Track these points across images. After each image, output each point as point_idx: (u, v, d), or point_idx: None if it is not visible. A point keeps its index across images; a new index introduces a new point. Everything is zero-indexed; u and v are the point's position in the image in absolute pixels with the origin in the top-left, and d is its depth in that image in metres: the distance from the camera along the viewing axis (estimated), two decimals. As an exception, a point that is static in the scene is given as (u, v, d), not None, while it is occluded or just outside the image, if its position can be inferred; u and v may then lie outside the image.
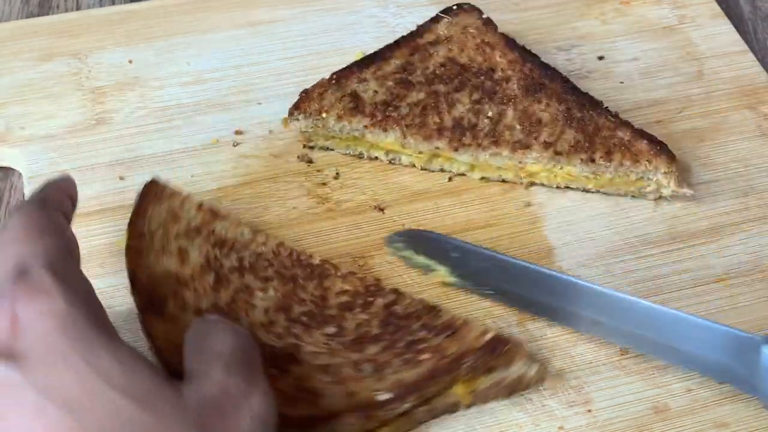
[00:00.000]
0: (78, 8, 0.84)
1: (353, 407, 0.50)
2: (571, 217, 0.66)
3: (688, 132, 0.71)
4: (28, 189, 0.66)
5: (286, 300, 0.57)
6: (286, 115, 0.69)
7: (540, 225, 0.65)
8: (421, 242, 0.62)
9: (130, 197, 0.66)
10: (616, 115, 0.68)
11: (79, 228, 0.64)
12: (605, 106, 0.69)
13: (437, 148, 0.67)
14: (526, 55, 0.72)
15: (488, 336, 0.53)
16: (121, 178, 0.67)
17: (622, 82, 0.75)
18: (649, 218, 0.66)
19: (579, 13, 0.81)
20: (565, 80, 0.70)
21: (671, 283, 0.62)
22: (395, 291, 0.58)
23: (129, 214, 0.65)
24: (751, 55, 0.77)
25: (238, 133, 0.71)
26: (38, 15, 0.83)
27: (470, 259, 0.60)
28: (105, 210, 0.65)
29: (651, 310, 0.55)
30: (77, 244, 0.50)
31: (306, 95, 0.69)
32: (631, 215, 0.66)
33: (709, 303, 0.61)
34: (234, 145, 0.70)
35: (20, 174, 0.70)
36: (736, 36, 0.79)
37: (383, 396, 0.51)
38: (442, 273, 0.61)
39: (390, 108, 0.68)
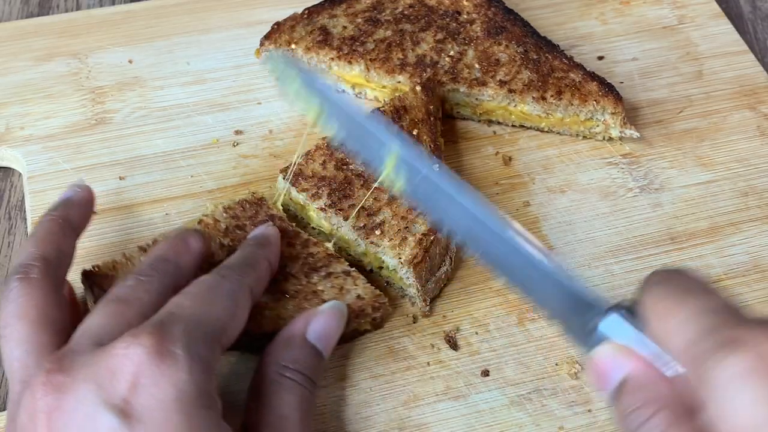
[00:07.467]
0: (78, 8, 0.84)
1: None
2: (571, 217, 0.66)
3: (688, 132, 0.71)
4: (28, 189, 0.67)
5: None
6: (258, 46, 0.72)
7: (540, 225, 0.65)
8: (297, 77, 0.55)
9: (130, 197, 0.66)
10: (570, 59, 0.71)
11: (79, 228, 0.64)
12: (562, 50, 0.72)
13: (399, 82, 0.70)
14: None
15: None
16: (121, 178, 0.67)
17: (622, 82, 0.74)
18: (649, 218, 0.66)
19: (579, 13, 0.81)
20: (526, 24, 0.73)
21: (671, 283, 0.62)
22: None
23: (128, 214, 0.65)
24: (751, 55, 0.77)
25: (238, 133, 0.71)
26: (38, 15, 0.83)
27: (333, 112, 0.54)
28: (105, 210, 0.65)
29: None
30: (238, 320, 0.50)
31: (278, 27, 0.72)
32: (631, 215, 0.66)
33: (709, 303, 0.61)
34: (234, 145, 0.70)
35: (20, 174, 0.70)
36: (736, 36, 0.79)
37: None
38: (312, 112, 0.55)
39: (357, 43, 0.71)
